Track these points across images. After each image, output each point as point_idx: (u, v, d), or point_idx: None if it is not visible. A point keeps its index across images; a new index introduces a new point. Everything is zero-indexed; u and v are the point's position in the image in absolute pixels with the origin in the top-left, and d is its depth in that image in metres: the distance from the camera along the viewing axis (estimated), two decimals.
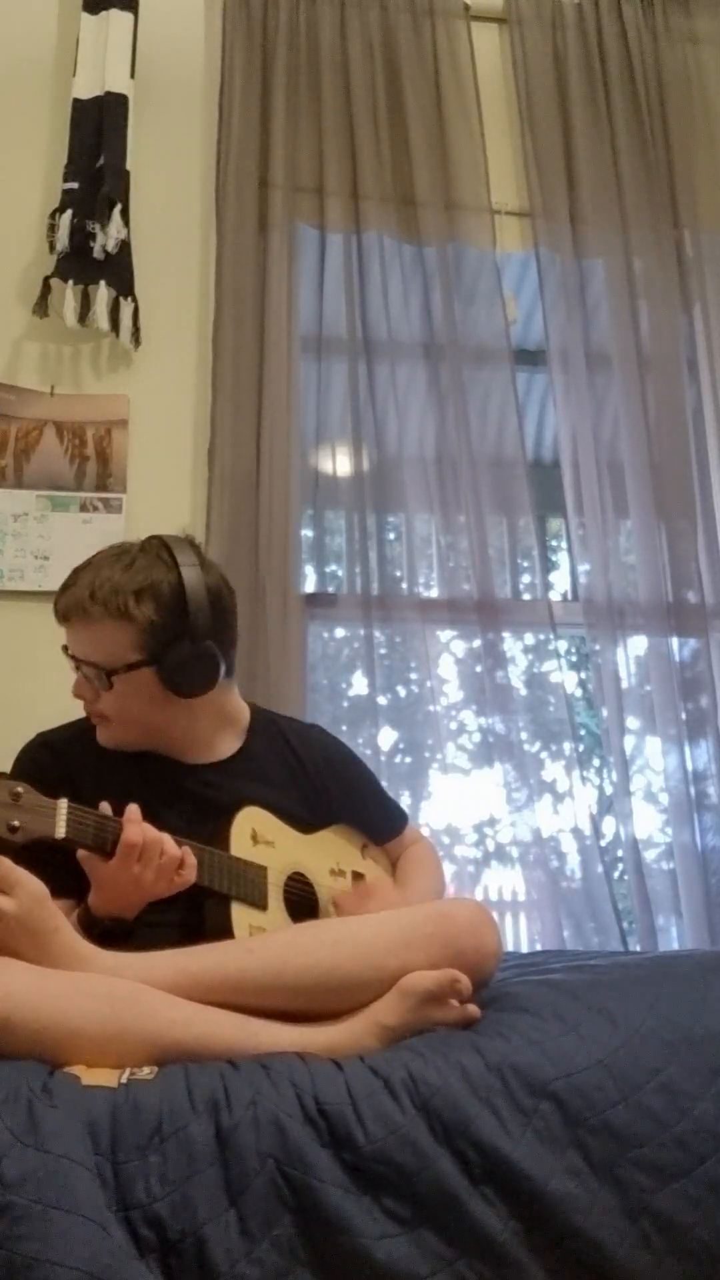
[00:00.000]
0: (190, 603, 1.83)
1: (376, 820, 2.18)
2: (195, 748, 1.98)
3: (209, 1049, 1.43)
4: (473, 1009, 1.56)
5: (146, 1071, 1.35)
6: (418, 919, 1.66)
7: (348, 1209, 1.22)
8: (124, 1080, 1.33)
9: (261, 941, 1.68)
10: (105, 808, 1.72)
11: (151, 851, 1.68)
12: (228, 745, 2.02)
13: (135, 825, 1.69)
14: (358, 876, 2.08)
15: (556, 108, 3.34)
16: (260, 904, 1.84)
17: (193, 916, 1.78)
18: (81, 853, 1.68)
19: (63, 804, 1.61)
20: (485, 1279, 1.23)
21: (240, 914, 1.79)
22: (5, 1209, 1.14)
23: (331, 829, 2.08)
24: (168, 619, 1.83)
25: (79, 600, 1.84)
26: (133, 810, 1.71)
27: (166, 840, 1.70)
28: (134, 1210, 1.19)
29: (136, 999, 1.45)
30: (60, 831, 1.58)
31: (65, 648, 1.91)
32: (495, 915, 1.75)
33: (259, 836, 1.90)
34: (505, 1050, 1.40)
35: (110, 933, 1.70)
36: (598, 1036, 1.44)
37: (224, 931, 1.75)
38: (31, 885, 1.51)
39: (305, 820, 2.02)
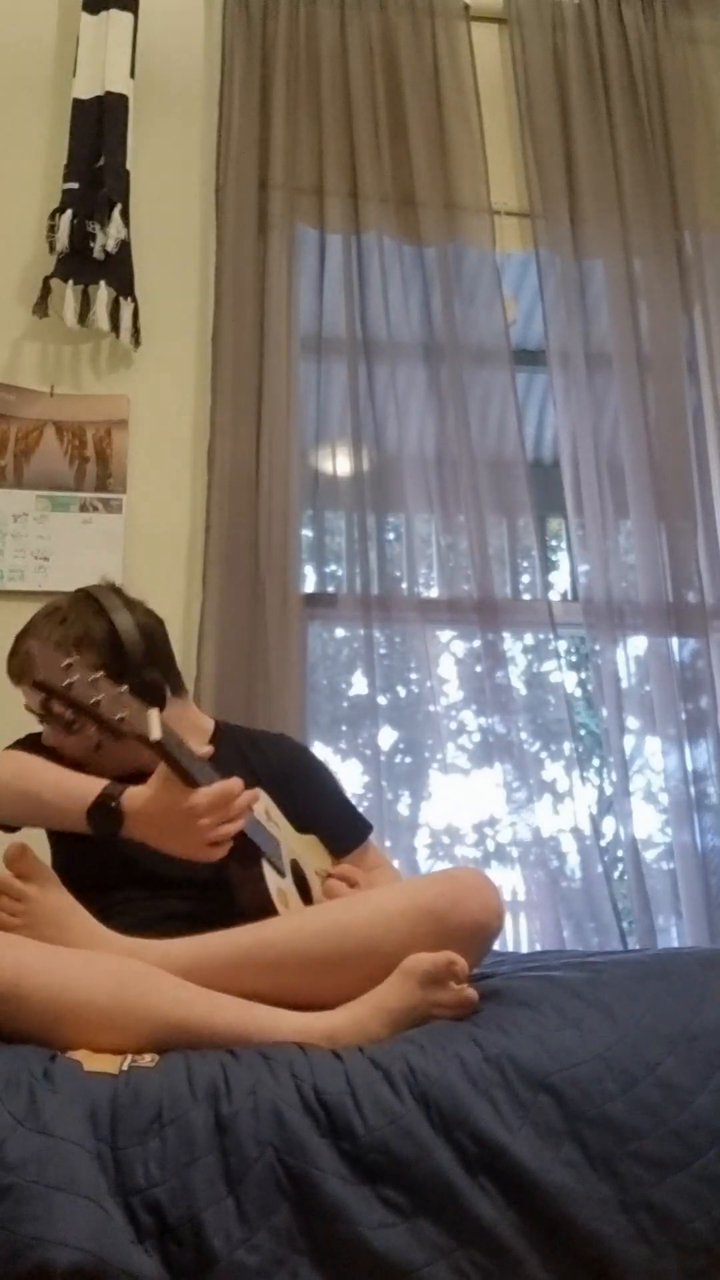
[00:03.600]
0: (124, 641, 1.96)
1: (341, 826, 2.23)
2: None
3: (211, 1028, 1.44)
4: (470, 991, 1.56)
5: (148, 1059, 1.36)
6: (424, 882, 1.73)
7: (346, 1198, 1.22)
8: (125, 1067, 1.33)
9: (275, 918, 1.72)
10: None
11: (231, 809, 1.71)
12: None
13: (237, 782, 1.73)
14: None
15: (556, 108, 3.34)
16: (280, 870, 1.88)
17: (206, 907, 1.79)
18: (163, 773, 1.70)
19: (154, 711, 1.64)
20: (482, 1269, 1.23)
21: (269, 873, 1.81)
22: (7, 1190, 1.14)
23: (310, 837, 2.12)
24: (107, 660, 1.93)
25: (25, 663, 1.99)
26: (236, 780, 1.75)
27: (242, 807, 1.74)
28: (133, 1195, 1.20)
29: (144, 976, 1.48)
30: (155, 734, 1.60)
31: (27, 707, 2.02)
32: None
33: (270, 817, 1.95)
34: (504, 1043, 1.40)
35: (106, 818, 1.73)
36: (597, 1031, 1.44)
37: (256, 886, 1.77)
38: (50, 872, 1.59)
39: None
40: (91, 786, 1.77)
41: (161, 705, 1.92)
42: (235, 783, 1.73)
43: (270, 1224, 1.21)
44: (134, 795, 1.74)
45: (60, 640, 1.96)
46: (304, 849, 2.05)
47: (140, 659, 1.97)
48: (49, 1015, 1.38)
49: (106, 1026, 1.40)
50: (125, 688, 1.60)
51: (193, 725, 2.14)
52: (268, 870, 1.81)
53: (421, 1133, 1.28)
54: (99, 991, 1.42)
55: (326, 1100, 1.29)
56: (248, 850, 1.78)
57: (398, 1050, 1.38)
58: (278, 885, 1.82)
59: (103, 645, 1.96)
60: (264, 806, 1.94)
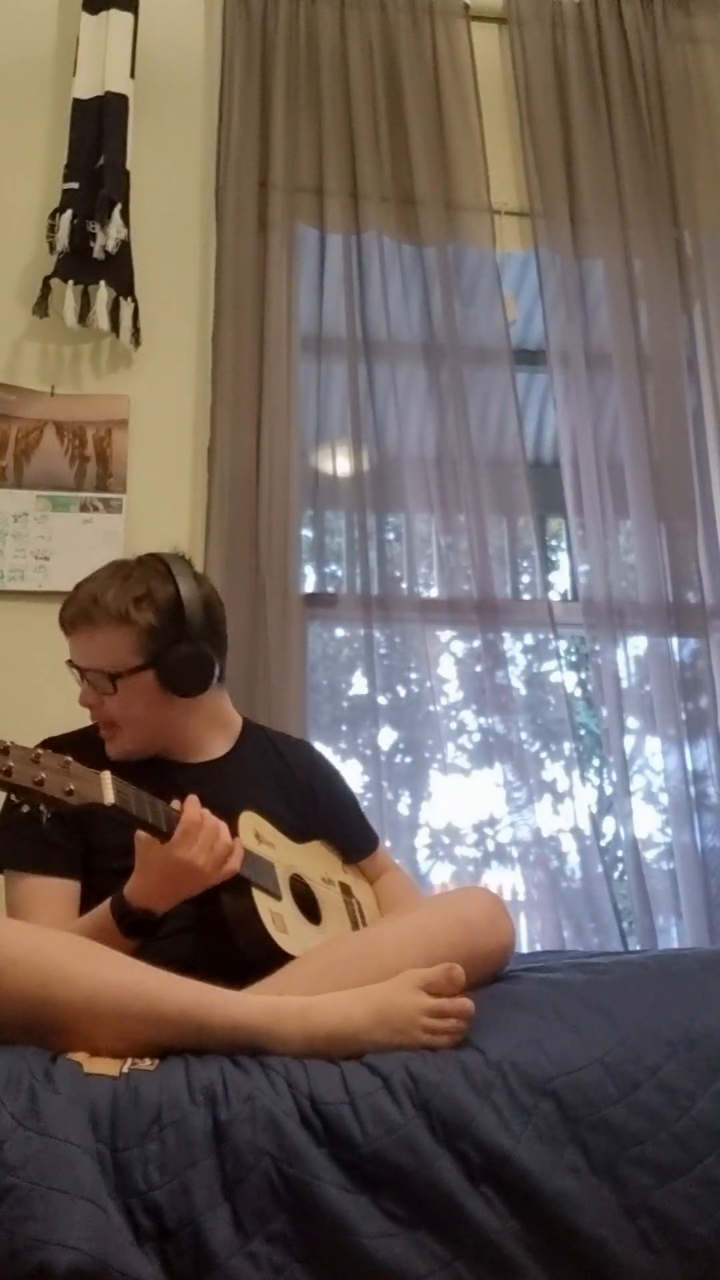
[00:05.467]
0: (186, 608, 1.95)
1: (356, 834, 2.25)
2: (188, 748, 2.07)
3: (180, 993, 1.44)
4: (466, 1001, 1.50)
5: (148, 1062, 1.36)
6: (439, 931, 1.68)
7: (345, 1207, 1.22)
8: (125, 1070, 1.33)
9: (287, 978, 1.67)
10: (177, 804, 1.76)
11: (210, 835, 1.72)
12: (218, 747, 2.11)
13: (196, 806, 1.74)
14: (345, 888, 2.13)
15: (556, 108, 3.33)
16: (275, 893, 1.87)
17: (209, 910, 1.80)
18: (140, 835, 1.71)
19: (106, 774, 1.64)
20: (483, 1279, 1.23)
21: (261, 900, 1.81)
22: (8, 1191, 1.15)
23: (315, 843, 2.13)
24: (165, 623, 1.94)
25: (84, 608, 1.96)
26: (192, 798, 1.76)
27: (223, 826, 1.75)
28: (132, 1198, 1.20)
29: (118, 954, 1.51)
30: (109, 799, 1.61)
31: (69, 662, 2.01)
32: None
33: (261, 838, 1.93)
34: (505, 1048, 1.40)
35: (139, 924, 1.73)
36: (597, 1034, 1.44)
37: (248, 917, 1.77)
38: None
39: (293, 826, 2.06)
40: (105, 910, 1.77)
41: (207, 685, 2.00)
42: (192, 810, 1.73)
43: (267, 1231, 1.21)
44: (131, 886, 1.75)
45: (118, 594, 1.95)
46: (305, 858, 2.05)
47: (199, 630, 1.96)
48: (27, 975, 1.39)
49: (87, 979, 1.41)
50: (70, 758, 1.59)
51: (224, 720, 2.14)
52: (259, 897, 1.81)
53: (422, 1143, 1.28)
54: (74, 956, 1.44)
55: (324, 1110, 1.29)
56: (235, 881, 1.78)
57: (398, 1056, 1.38)
58: (272, 910, 1.82)
59: (164, 608, 1.95)
60: (253, 829, 1.93)
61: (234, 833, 1.85)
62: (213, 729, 2.10)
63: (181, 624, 1.95)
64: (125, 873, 1.77)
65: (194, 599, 1.97)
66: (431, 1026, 1.45)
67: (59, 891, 1.90)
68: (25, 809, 1.54)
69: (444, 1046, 1.43)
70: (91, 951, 1.48)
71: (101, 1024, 1.39)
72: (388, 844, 2.80)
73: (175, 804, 1.74)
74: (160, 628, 1.94)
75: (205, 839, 1.71)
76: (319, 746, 2.84)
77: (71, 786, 1.55)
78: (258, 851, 1.89)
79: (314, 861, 2.08)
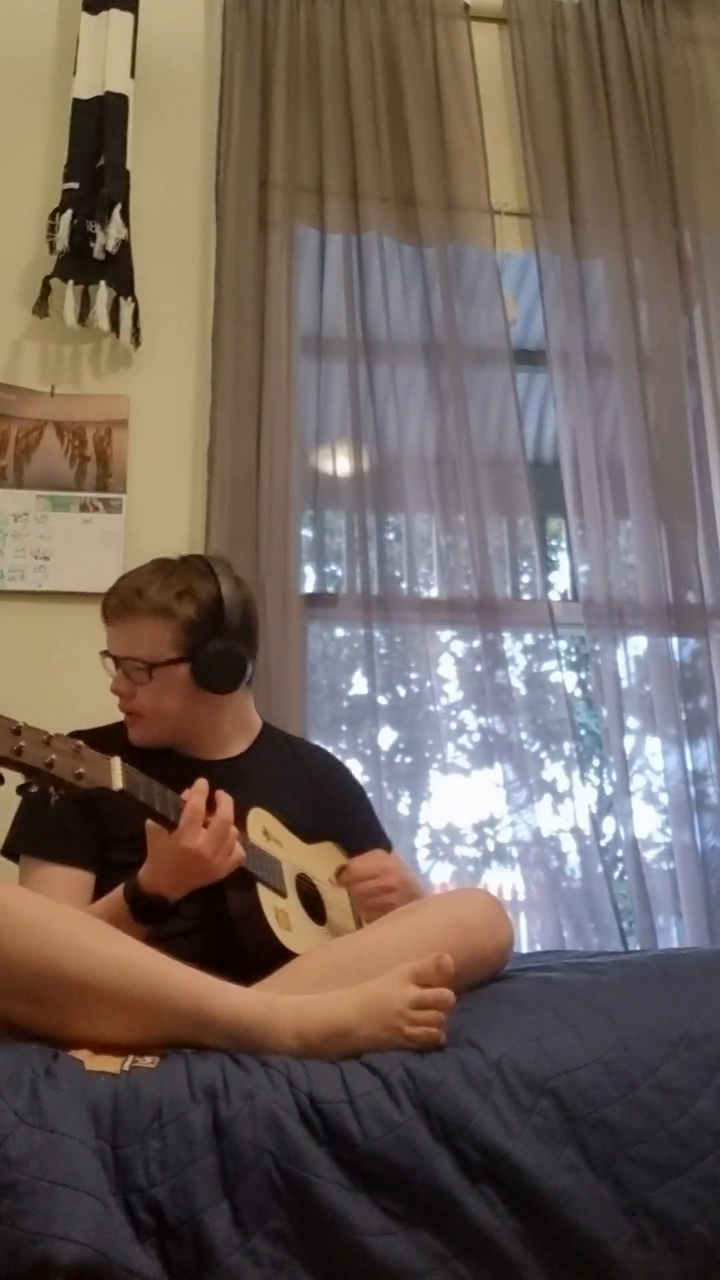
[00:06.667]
0: (226, 607, 2.01)
1: (367, 836, 2.25)
2: (210, 745, 2.11)
3: (184, 976, 1.46)
4: (444, 991, 1.47)
5: (149, 1060, 1.36)
6: (437, 932, 1.69)
7: (345, 1205, 1.23)
8: (126, 1067, 1.34)
9: (288, 978, 1.68)
10: (188, 794, 1.76)
11: (220, 826, 1.73)
12: (238, 746, 2.16)
13: (200, 795, 1.74)
14: None
15: (556, 108, 3.33)
16: (281, 891, 1.88)
17: (215, 907, 1.81)
18: (150, 823, 1.73)
19: (116, 760, 1.65)
20: (481, 1277, 1.23)
21: (266, 897, 1.82)
22: (10, 1186, 1.15)
23: (324, 844, 2.14)
24: (205, 619, 2.00)
25: (126, 599, 2.02)
26: (200, 783, 1.76)
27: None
28: (133, 1194, 1.20)
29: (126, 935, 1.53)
30: (118, 784, 1.62)
31: (104, 653, 2.06)
32: None
33: (269, 835, 1.94)
34: (504, 1047, 1.40)
35: (151, 910, 1.74)
36: (596, 1034, 1.44)
37: (252, 912, 1.79)
38: None
39: (304, 826, 2.08)
40: (118, 895, 1.78)
41: (238, 683, 2.05)
42: (196, 799, 1.73)
43: (267, 1229, 1.21)
44: (144, 872, 1.76)
45: (162, 588, 2.00)
46: (313, 858, 2.06)
47: (236, 629, 2.03)
48: (34, 940, 1.40)
49: (96, 940, 1.43)
50: (81, 742, 1.59)
51: (247, 721, 2.19)
52: (264, 893, 1.81)
53: (421, 1141, 1.28)
54: (85, 927, 1.46)
55: (323, 1109, 1.29)
56: (241, 877, 1.79)
57: (396, 1055, 1.38)
58: (277, 907, 1.83)
59: (204, 605, 2.01)
60: (261, 826, 1.94)
61: (242, 829, 1.85)
62: (235, 728, 2.15)
63: (220, 622, 2.00)
64: (140, 866, 1.78)
65: (234, 600, 2.03)
66: (414, 1018, 1.44)
67: (73, 880, 1.92)
68: (34, 789, 1.54)
69: (423, 1038, 1.42)
70: (102, 928, 1.50)
71: (105, 1000, 1.40)
72: None
73: (186, 794, 1.75)
74: (199, 623, 2.00)
75: (215, 830, 1.72)
76: None
77: (81, 770, 1.56)
78: (265, 849, 1.90)
79: (322, 862, 2.08)
